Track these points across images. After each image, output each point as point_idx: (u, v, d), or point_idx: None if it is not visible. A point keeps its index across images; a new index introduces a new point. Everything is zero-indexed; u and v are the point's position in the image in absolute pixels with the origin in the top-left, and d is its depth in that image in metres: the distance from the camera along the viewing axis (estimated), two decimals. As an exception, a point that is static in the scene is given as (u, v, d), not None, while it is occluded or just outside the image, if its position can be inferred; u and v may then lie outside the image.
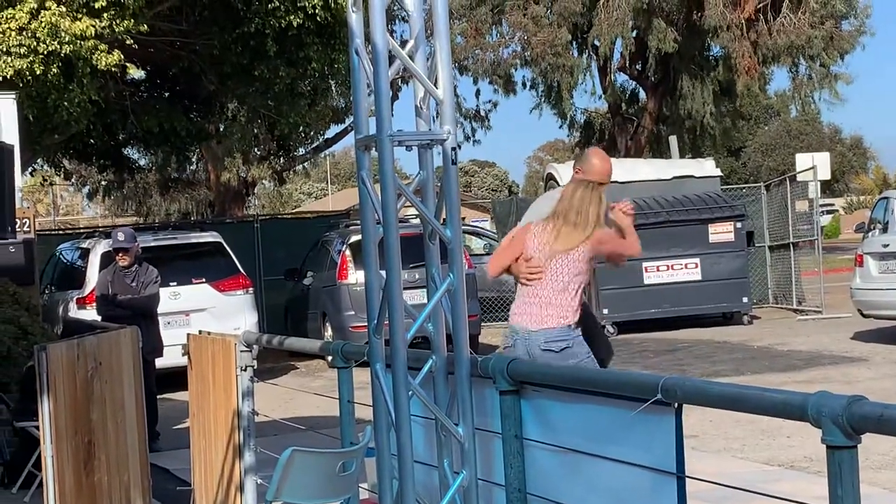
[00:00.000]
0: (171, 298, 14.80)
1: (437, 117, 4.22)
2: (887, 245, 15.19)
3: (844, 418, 2.66)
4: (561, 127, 36.67)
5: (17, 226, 10.72)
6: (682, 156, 26.25)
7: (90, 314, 13.28)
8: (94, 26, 14.19)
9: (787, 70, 33.71)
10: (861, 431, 2.68)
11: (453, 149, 4.11)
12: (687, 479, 3.32)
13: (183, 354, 7.56)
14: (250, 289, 16.31)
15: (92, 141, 20.81)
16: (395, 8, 4.24)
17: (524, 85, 35.16)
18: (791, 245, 21.11)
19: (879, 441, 2.93)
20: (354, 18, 4.21)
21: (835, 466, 2.71)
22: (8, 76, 14.02)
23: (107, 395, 6.62)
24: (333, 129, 32.86)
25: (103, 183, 35.18)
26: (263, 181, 39.71)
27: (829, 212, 55.85)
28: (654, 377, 3.37)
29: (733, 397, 3.08)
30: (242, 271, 16.34)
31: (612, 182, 6.86)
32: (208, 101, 20.17)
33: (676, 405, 3.28)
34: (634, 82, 36.19)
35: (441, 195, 4.15)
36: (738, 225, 19.10)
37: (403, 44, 4.21)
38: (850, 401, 2.68)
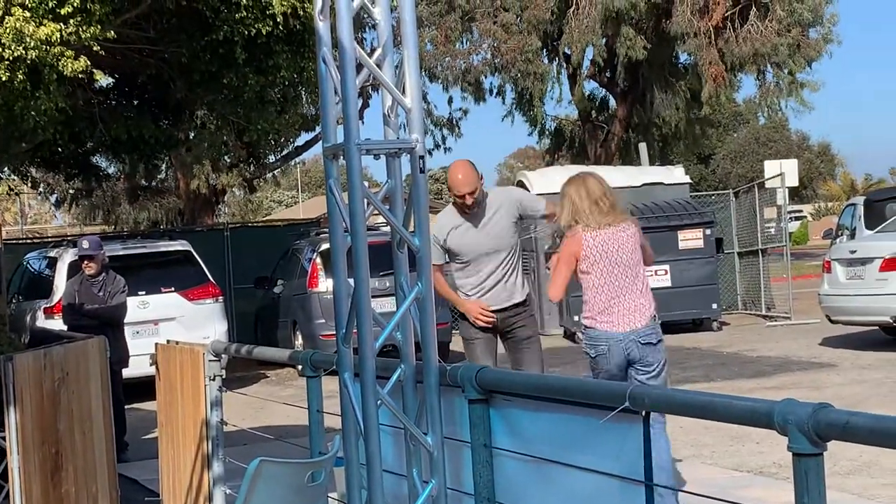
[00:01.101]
0: (140, 307, 14.72)
1: (405, 125, 4.21)
2: (854, 251, 15.29)
3: (810, 426, 2.67)
4: (531, 134, 36.74)
5: (-17, 235, 10.67)
6: (651, 163, 26.35)
7: (58, 324, 13.20)
8: (59, 31, 14.11)
9: (755, 77, 33.89)
10: (827, 439, 2.69)
11: (421, 157, 4.11)
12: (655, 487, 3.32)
13: (151, 364, 7.53)
14: (220, 297, 16.25)
15: (59, 149, 20.64)
16: (363, 16, 4.23)
17: (493, 92, 35.19)
18: (760, 251, 21.22)
19: (848, 447, 2.94)
20: (322, 27, 4.20)
21: (801, 474, 2.71)
22: (-27, 82, 13.92)
23: (74, 406, 6.57)
24: (304, 137, 32.78)
25: (71, 192, 34.97)
26: (233, 189, 39.60)
27: (797, 218, 56.19)
28: (622, 385, 3.37)
29: (700, 405, 3.09)
30: (212, 280, 16.28)
31: None
32: (177, 109, 20.06)
33: (644, 413, 3.28)
34: (604, 90, 36.28)
35: (409, 203, 4.14)
36: (708, 232, 19.18)
37: (372, 52, 4.21)
38: (816, 408, 2.69)
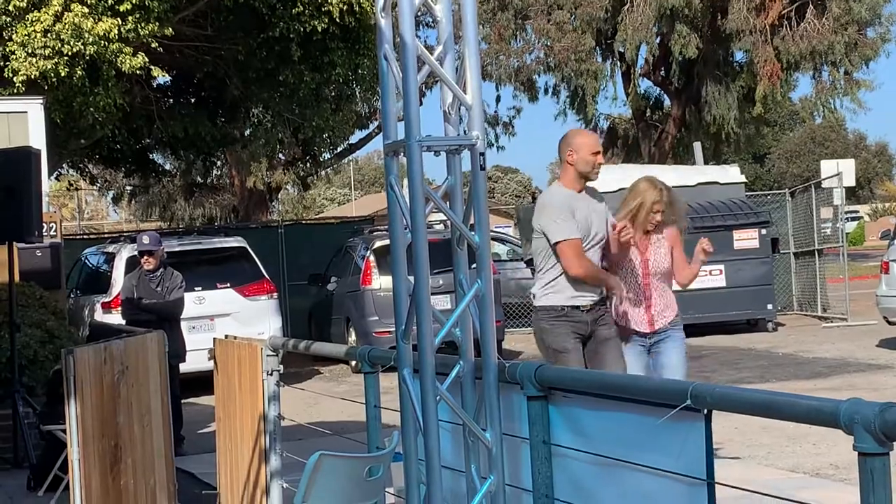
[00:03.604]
0: (196, 303, 14.84)
1: (461, 122, 4.22)
2: (913, 252, 15.12)
3: (876, 425, 2.65)
4: (584, 132, 36.49)
5: (44, 230, 10.80)
6: (706, 162, 26.17)
7: (115, 318, 13.34)
8: (117, 27, 14.27)
9: (811, 76, 33.59)
10: (893, 438, 2.66)
11: (482, 154, 4.11)
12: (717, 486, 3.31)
13: (209, 359, 7.59)
14: (274, 294, 16.33)
15: (118, 146, 20.92)
16: (420, 13, 4.24)
17: (547, 91, 35.14)
18: (816, 252, 21.01)
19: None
20: (384, 24, 4.21)
21: (867, 474, 2.69)
22: (32, 76, 14.12)
23: (133, 399, 6.65)
24: (357, 135, 32.98)
25: (128, 188, 35.32)
26: (287, 186, 39.82)
27: (853, 219, 55.55)
28: (684, 383, 3.36)
29: (764, 404, 3.06)
30: (267, 276, 16.36)
31: None
32: (234, 107, 20.24)
33: (706, 412, 3.27)
34: (658, 88, 36.10)
35: (469, 201, 4.15)
36: (763, 231, 19.03)
37: (428, 49, 4.21)
38: (883, 408, 2.67)
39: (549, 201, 6.73)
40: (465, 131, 4.19)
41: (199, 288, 15.24)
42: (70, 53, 14.16)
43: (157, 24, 14.82)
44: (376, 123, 31.65)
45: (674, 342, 7.16)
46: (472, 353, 4.22)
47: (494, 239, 24.51)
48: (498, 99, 36.69)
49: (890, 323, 15.53)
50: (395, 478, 4.96)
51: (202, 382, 11.23)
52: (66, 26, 14.06)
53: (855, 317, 19.42)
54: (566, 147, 6.70)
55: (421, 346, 4.03)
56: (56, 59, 14.14)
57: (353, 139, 33.11)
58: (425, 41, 23.39)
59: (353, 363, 15.43)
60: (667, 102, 36.12)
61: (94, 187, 36.63)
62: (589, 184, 6.89)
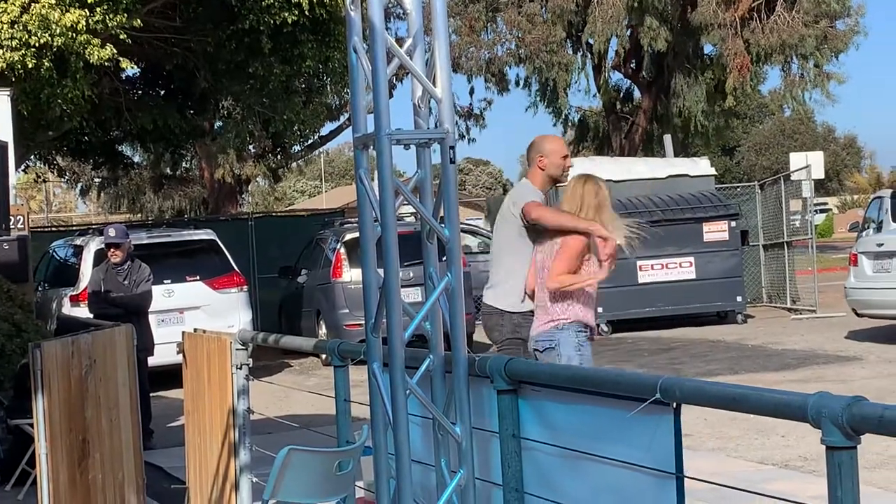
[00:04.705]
0: (165, 296, 14.77)
1: (432, 114, 4.21)
2: (881, 244, 15.21)
3: (844, 419, 2.65)
4: (555, 125, 36.61)
5: (11, 223, 10.72)
6: (676, 155, 26.25)
7: (83, 311, 13.25)
8: (84, 18, 14.17)
9: (780, 69, 33.73)
10: (861, 432, 2.67)
11: (452, 147, 4.10)
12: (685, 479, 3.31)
13: (178, 352, 7.55)
14: (244, 287, 16.27)
15: (86, 138, 20.78)
16: (391, 4, 4.22)
17: (518, 83, 35.14)
18: (785, 244, 21.12)
19: (874, 440, 2.93)
20: (353, 16, 4.19)
21: (834, 467, 2.70)
22: (0, 69, 14.00)
23: (101, 393, 6.60)
24: (328, 127, 32.88)
25: (97, 180, 35.11)
26: (257, 179, 39.68)
27: (822, 211, 55.84)
28: (653, 377, 3.36)
29: (732, 397, 3.07)
30: (236, 269, 16.30)
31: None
32: (203, 99, 20.13)
33: (675, 405, 3.27)
34: (629, 81, 36.17)
35: (439, 194, 4.14)
36: (733, 224, 19.11)
37: (398, 41, 4.20)
38: (850, 402, 2.67)
39: (525, 192, 6.62)
40: (435, 124, 4.17)
41: (169, 281, 15.17)
42: (37, 45, 14.05)
43: (126, 15, 14.71)
44: (347, 115, 31.58)
45: None
46: (442, 347, 4.21)
47: (465, 231, 24.49)
48: (472, 91, 36.60)
49: (858, 315, 15.63)
50: (364, 472, 4.96)
51: (171, 376, 11.18)
52: (34, 17, 13.94)
53: (824, 309, 19.54)
54: (536, 153, 6.63)
55: (390, 339, 4.02)
56: (23, 51, 14.02)
57: (324, 131, 33.04)
58: (396, 33, 23.37)
59: (324, 356, 15.40)
60: (637, 95, 36.20)
61: (62, 179, 36.37)
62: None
